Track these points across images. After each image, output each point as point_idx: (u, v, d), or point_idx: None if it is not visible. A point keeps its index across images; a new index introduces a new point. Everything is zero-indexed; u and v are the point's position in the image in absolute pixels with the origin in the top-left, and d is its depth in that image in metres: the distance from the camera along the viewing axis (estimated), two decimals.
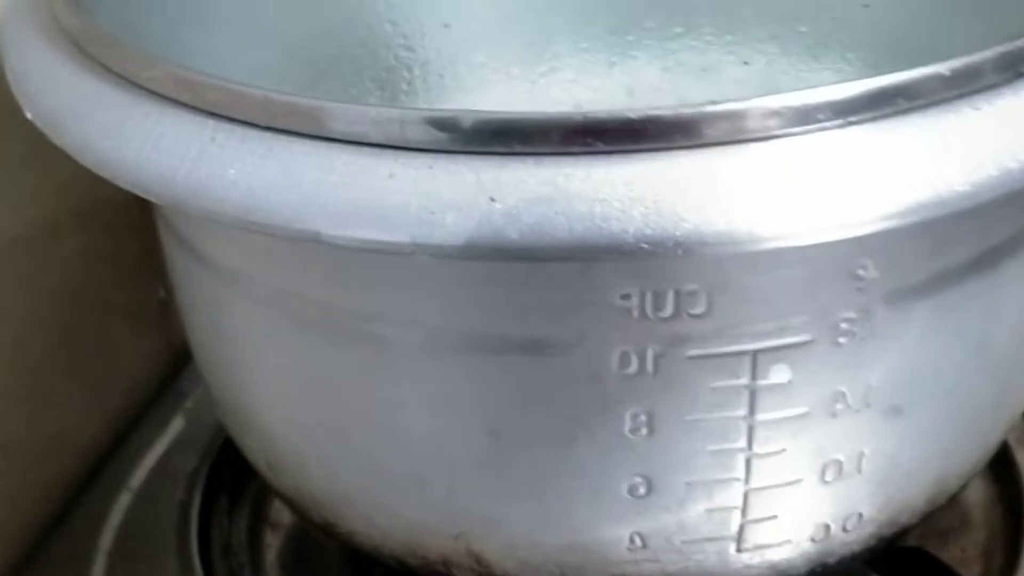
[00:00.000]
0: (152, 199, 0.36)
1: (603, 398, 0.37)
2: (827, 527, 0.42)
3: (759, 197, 0.31)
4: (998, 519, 0.55)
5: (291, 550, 0.58)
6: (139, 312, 0.64)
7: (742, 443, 0.38)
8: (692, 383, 0.37)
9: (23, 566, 0.56)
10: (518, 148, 0.32)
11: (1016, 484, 0.56)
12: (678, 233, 0.31)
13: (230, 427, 0.51)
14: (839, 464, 0.40)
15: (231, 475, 0.59)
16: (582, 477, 0.39)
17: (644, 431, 0.38)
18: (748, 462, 0.39)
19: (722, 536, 0.41)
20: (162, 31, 0.45)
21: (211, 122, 0.35)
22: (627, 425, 0.38)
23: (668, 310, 0.36)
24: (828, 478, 0.40)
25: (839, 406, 0.38)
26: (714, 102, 0.31)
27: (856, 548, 0.44)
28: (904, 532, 0.45)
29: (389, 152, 0.33)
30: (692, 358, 0.37)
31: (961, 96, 0.33)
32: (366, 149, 0.33)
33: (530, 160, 0.32)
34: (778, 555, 0.42)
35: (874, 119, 0.32)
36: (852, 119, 0.32)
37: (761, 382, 0.37)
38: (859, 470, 0.40)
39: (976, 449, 0.45)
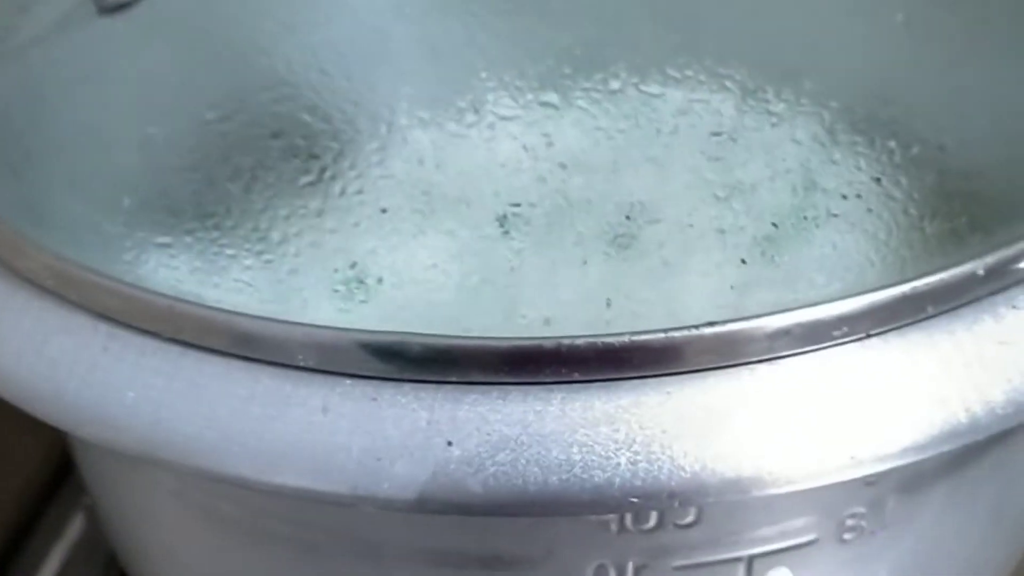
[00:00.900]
0: (38, 417, 0.30)
1: None
2: None
3: (769, 435, 0.26)
4: None
5: None
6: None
7: None
8: None
9: None
10: (478, 378, 0.26)
11: None
12: (673, 484, 0.26)
13: None
14: None
15: None
16: None
17: None
18: None
19: None
20: None
21: (104, 327, 0.29)
22: None
23: (651, 522, 0.31)
24: None
25: None
26: (711, 323, 0.26)
27: None
28: None
29: (323, 378, 0.27)
30: (679, 568, 0.32)
31: (996, 292, 0.28)
32: (295, 373, 0.27)
33: (493, 393, 0.27)
34: None
35: (899, 329, 0.27)
36: (873, 332, 0.27)
37: None
38: None
39: None
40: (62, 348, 0.29)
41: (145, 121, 0.36)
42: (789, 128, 0.33)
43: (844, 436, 0.26)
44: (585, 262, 0.29)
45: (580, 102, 0.40)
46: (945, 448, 0.27)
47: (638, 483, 0.26)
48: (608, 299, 0.28)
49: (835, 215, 0.29)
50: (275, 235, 0.38)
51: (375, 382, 0.27)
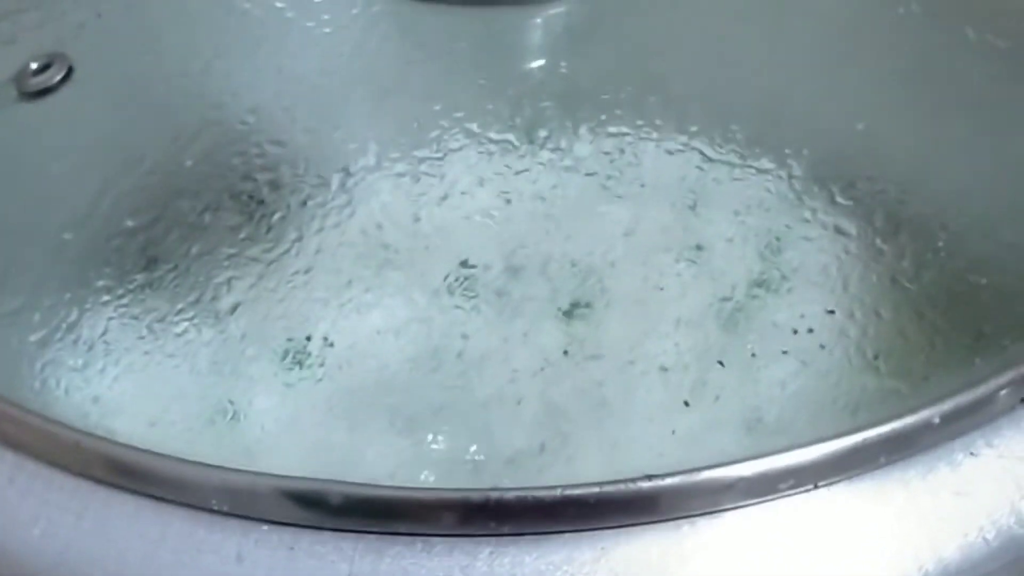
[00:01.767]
0: None
1: None
2: None
3: None
4: None
5: None
6: None
7: None
8: None
9: None
10: (402, 529, 0.25)
11: None
12: None
13: None
14: None
15: None
16: None
17: None
18: None
19: None
20: None
21: (10, 456, 0.27)
22: None
23: None
24: None
25: None
26: (649, 476, 0.24)
27: None
28: None
29: (238, 524, 0.26)
30: None
31: (953, 438, 0.26)
32: (208, 517, 0.26)
33: (418, 544, 0.25)
34: None
35: (849, 479, 0.25)
36: (821, 484, 0.25)
37: None
38: None
39: None
40: None
41: (63, 218, 0.35)
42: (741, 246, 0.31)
43: None
44: (519, 402, 0.28)
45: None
46: None
47: None
48: (542, 443, 0.27)
49: (784, 352, 0.28)
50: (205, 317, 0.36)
51: (293, 529, 0.25)
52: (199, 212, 0.37)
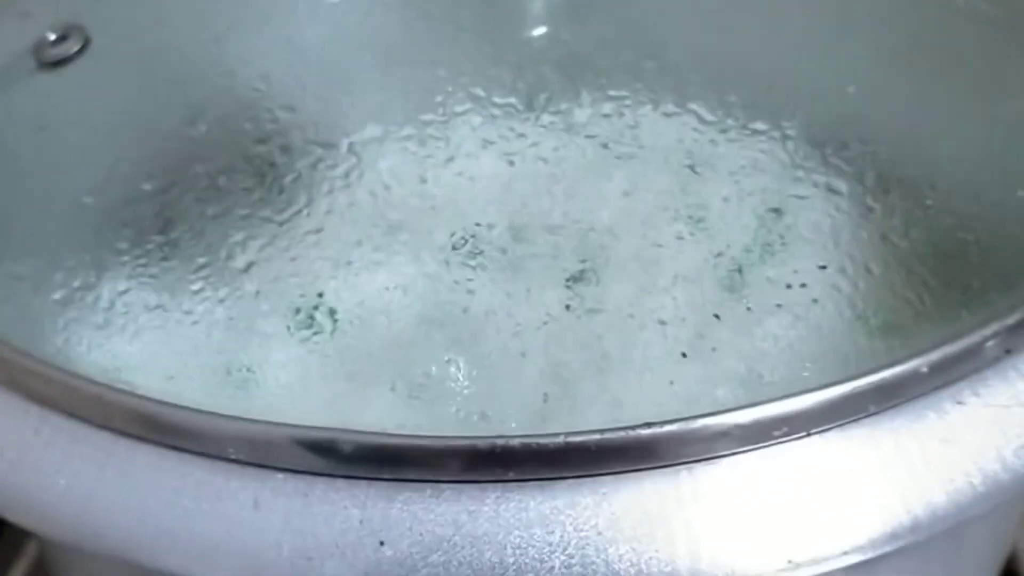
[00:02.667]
0: None
1: None
2: None
3: (706, 538, 0.25)
4: None
5: None
6: None
7: None
8: None
9: None
10: (411, 476, 0.26)
11: None
12: None
13: None
14: None
15: None
16: None
17: None
18: None
19: None
20: None
21: (35, 410, 0.28)
22: None
23: None
24: None
25: None
26: (648, 424, 0.25)
27: None
28: None
29: (254, 473, 0.27)
30: None
31: (941, 388, 0.27)
32: (225, 466, 0.27)
33: (427, 490, 0.26)
34: None
35: (841, 427, 0.26)
36: (813, 431, 0.26)
37: None
38: None
39: None
40: None
41: (82, 183, 0.36)
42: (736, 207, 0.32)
43: (782, 539, 0.26)
44: (523, 354, 0.29)
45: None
46: (886, 550, 0.26)
47: None
48: (545, 394, 0.28)
49: (779, 305, 0.29)
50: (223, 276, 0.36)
51: (307, 477, 0.26)
52: (212, 176, 0.38)
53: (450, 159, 0.39)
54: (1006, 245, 0.30)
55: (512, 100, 0.40)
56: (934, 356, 0.27)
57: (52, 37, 0.40)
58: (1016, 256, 0.30)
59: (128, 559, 0.27)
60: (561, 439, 0.26)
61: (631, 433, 0.26)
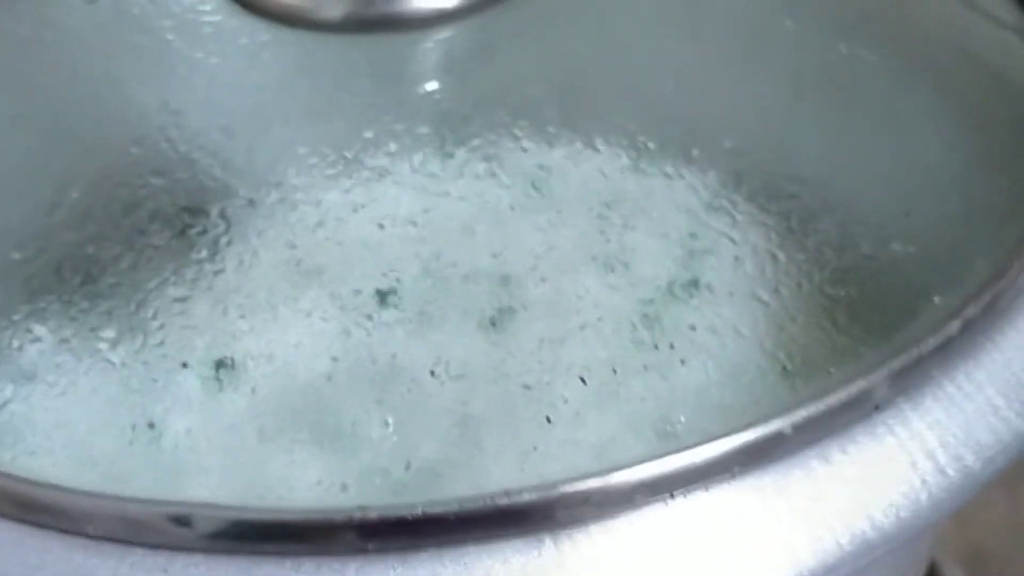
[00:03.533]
0: None
1: None
2: None
3: None
4: None
5: None
6: None
7: None
8: None
9: None
10: (270, 549, 0.26)
11: None
12: None
13: None
14: None
15: None
16: None
17: None
18: None
19: None
20: None
21: None
22: None
23: None
24: None
25: None
26: (507, 492, 0.25)
27: None
28: None
29: (113, 548, 0.26)
30: None
31: (806, 446, 0.27)
32: (85, 542, 0.26)
33: (286, 563, 0.26)
34: None
35: (707, 487, 0.26)
36: (676, 494, 0.26)
37: None
38: None
39: None
40: None
41: None
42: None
43: None
44: (387, 423, 0.29)
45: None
46: None
47: None
48: (408, 461, 0.28)
49: (645, 368, 0.29)
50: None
51: (167, 552, 0.26)
52: (113, 235, 0.38)
53: (361, 206, 0.38)
54: (876, 298, 0.30)
55: (424, 148, 0.40)
56: (798, 416, 0.27)
57: None
58: (884, 310, 0.30)
59: None
60: (419, 510, 0.25)
61: (489, 502, 0.25)
